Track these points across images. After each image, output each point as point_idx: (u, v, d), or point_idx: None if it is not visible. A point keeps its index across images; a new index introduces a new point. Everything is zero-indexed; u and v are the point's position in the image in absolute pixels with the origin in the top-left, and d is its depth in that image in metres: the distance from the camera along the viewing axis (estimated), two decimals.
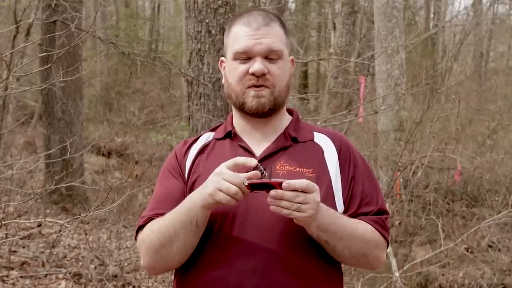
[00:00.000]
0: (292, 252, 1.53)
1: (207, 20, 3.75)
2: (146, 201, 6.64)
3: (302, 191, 1.41)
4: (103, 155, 10.62)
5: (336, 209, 1.58)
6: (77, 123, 8.30)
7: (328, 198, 1.56)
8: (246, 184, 1.42)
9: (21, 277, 5.22)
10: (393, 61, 8.56)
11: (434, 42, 17.13)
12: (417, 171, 7.44)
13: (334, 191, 1.61)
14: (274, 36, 1.62)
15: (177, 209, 1.54)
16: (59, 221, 4.43)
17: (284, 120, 1.72)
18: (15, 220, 5.50)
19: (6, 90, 6.30)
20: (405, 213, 7.16)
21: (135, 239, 1.67)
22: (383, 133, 8.32)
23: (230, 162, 1.47)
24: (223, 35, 1.93)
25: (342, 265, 1.67)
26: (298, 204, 1.40)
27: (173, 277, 1.69)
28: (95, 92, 15.86)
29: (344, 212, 1.61)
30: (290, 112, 1.76)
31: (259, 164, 1.50)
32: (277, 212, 1.42)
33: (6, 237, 5.24)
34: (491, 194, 7.61)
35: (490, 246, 6.39)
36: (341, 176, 1.63)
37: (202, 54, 3.77)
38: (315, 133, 1.71)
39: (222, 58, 1.75)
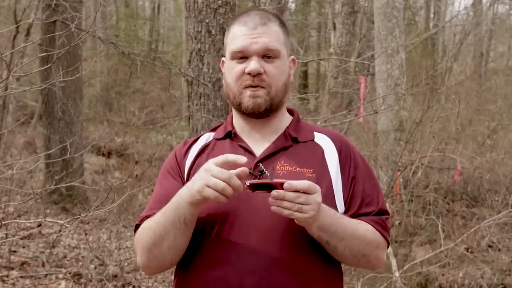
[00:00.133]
0: (292, 252, 1.53)
1: (207, 20, 3.75)
2: (146, 201, 6.62)
3: (304, 192, 1.41)
4: (103, 155, 10.62)
5: (336, 209, 1.58)
6: (77, 123, 8.29)
7: (328, 198, 1.56)
8: (248, 184, 1.42)
9: (21, 277, 5.22)
10: (393, 61, 8.56)
11: (434, 42, 17.12)
12: (417, 171, 7.44)
13: (335, 191, 1.61)
14: (271, 36, 1.62)
15: (166, 207, 1.53)
16: (59, 221, 4.42)
17: (284, 120, 1.71)
18: (15, 220, 5.50)
19: (6, 90, 6.29)
20: (405, 213, 7.16)
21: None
22: (383, 133, 8.31)
23: (219, 158, 1.45)
24: (223, 35, 1.93)
25: (342, 265, 1.67)
26: (300, 205, 1.40)
27: (173, 277, 1.69)
28: (95, 92, 15.86)
29: (345, 213, 1.60)
30: (290, 112, 1.76)
31: (260, 164, 1.49)
32: (278, 213, 1.42)
33: (6, 237, 5.24)
34: (491, 194, 7.60)
35: (490, 246, 6.39)
36: (341, 177, 1.63)
37: (202, 54, 3.77)
38: (315, 133, 1.71)
39: (223, 58, 1.74)
